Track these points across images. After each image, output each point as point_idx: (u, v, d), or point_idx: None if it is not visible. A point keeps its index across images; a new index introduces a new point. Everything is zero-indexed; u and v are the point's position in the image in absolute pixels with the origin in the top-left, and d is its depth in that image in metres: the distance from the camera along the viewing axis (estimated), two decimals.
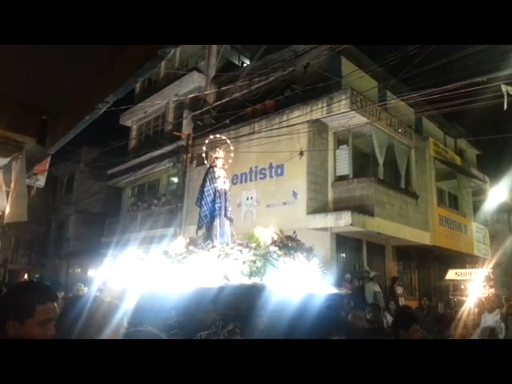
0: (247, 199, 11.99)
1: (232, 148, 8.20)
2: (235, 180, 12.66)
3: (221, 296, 5.34)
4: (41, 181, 8.86)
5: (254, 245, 6.39)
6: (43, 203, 20.17)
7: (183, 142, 14.09)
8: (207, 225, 7.34)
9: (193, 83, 15.42)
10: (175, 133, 14.50)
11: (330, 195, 11.19)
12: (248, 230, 7.03)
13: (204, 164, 13.64)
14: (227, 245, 6.70)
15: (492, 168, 15.95)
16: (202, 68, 15.61)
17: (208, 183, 7.44)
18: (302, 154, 10.90)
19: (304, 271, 6.36)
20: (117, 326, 1.45)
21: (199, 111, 14.04)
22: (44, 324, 1.41)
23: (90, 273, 17.64)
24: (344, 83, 11.14)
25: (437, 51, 8.14)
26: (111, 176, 17.76)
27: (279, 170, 11.42)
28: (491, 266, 12.20)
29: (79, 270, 19.02)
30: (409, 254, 12.98)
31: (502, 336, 6.96)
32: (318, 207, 10.72)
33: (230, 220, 7.44)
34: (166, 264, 6.91)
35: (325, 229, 10.32)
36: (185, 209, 13.70)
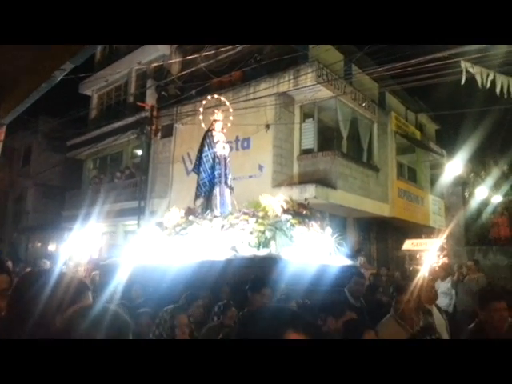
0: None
1: (231, 110, 7.64)
2: None
3: (229, 269, 4.99)
4: None
5: (261, 214, 5.87)
6: None
7: (147, 113, 13.71)
8: (206, 193, 6.81)
9: (156, 51, 14.88)
10: (139, 103, 14.06)
11: (296, 169, 11.33)
12: (256, 198, 6.49)
13: (170, 136, 13.51)
14: (231, 214, 6.22)
15: (449, 143, 16.60)
16: None
17: (206, 148, 6.89)
18: (268, 127, 10.90)
19: (319, 241, 5.93)
20: (80, 301, 1.42)
21: (163, 81, 13.64)
22: None
23: (51, 247, 17.21)
24: (311, 56, 11.11)
25: None
26: (71, 147, 17.11)
27: (245, 143, 11.40)
28: (445, 236, 12.89)
29: (39, 244, 18.49)
30: (368, 225, 13.47)
31: (452, 301, 7.48)
32: (284, 180, 10.85)
33: (231, 188, 6.98)
34: (161, 236, 6.49)
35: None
36: (149, 182, 13.50)
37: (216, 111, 7.31)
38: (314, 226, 6.01)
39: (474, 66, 7.25)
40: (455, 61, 7.48)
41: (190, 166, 12.77)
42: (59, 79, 2.03)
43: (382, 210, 12.57)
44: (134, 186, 14.25)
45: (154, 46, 14.83)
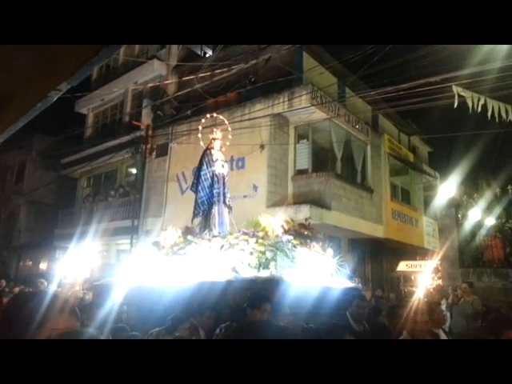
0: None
1: (230, 129, 7.61)
2: None
3: (230, 290, 4.86)
4: None
5: (261, 234, 5.74)
6: None
7: (142, 132, 13.78)
8: (204, 212, 6.68)
9: (153, 72, 15.07)
10: (134, 122, 14.14)
11: (290, 189, 11.36)
12: (252, 218, 6.41)
13: (165, 155, 13.55)
14: (230, 234, 6.10)
15: (442, 165, 16.80)
16: (163, 57, 15.27)
17: (205, 166, 6.78)
18: (262, 147, 10.97)
19: (320, 263, 5.80)
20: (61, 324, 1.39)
21: (159, 101, 13.76)
22: None
23: (43, 266, 16.97)
24: (305, 78, 11.30)
25: (393, 51, 8.42)
26: (65, 165, 17.07)
27: (240, 163, 11.44)
28: (439, 258, 12.89)
29: (30, 262, 18.22)
30: (363, 246, 13.45)
31: (447, 324, 7.41)
32: (278, 200, 10.86)
33: (229, 207, 6.86)
34: (158, 256, 6.33)
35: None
36: (143, 200, 13.45)
37: (215, 130, 7.27)
38: (316, 247, 5.89)
39: (465, 91, 7.41)
40: (447, 85, 7.64)
41: (185, 186, 12.78)
42: (55, 99, 2.03)
43: (376, 231, 12.58)
44: (127, 204, 14.18)
45: (151, 66, 15.05)
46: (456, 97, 7.39)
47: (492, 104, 7.38)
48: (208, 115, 7.94)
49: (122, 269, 6.82)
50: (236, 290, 4.87)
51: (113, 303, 4.46)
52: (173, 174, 13.04)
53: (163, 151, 13.57)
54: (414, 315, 3.38)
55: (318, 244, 5.99)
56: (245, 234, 5.75)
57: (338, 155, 11.67)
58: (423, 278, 10.94)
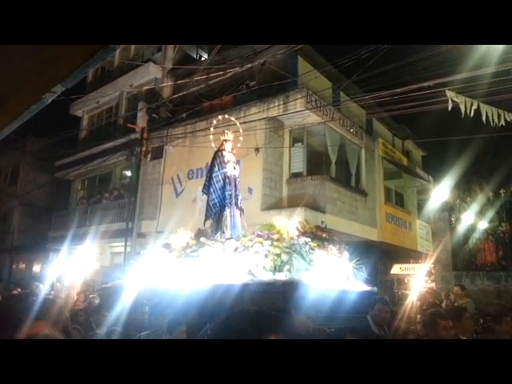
0: (202, 194, 11.93)
1: (241, 131, 7.44)
2: (191, 175, 12.58)
3: (246, 294, 4.72)
4: None
5: (276, 236, 5.64)
6: None
7: (137, 135, 13.76)
8: (216, 215, 6.58)
9: (148, 75, 15.08)
10: (129, 125, 14.12)
11: (285, 192, 11.39)
12: (266, 221, 6.34)
13: (160, 158, 13.54)
14: (245, 236, 6.00)
15: (435, 169, 16.94)
16: (159, 60, 15.29)
17: (217, 168, 6.67)
18: (258, 150, 10.99)
19: (337, 265, 5.69)
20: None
21: (155, 104, 13.77)
22: None
23: (36, 268, 16.85)
24: (300, 82, 11.36)
25: (388, 55, 8.50)
26: (59, 168, 17.01)
27: None
28: (432, 261, 12.96)
29: (24, 265, 18.09)
30: (357, 249, 13.46)
31: None
32: (273, 203, 10.88)
33: (241, 210, 6.75)
34: (169, 258, 6.23)
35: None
36: (138, 203, 13.41)
37: (226, 131, 7.09)
38: (333, 249, 5.76)
39: (459, 96, 7.49)
40: (440, 90, 7.71)
41: (180, 188, 12.79)
42: (49, 101, 2.04)
43: (370, 234, 12.63)
44: (122, 207, 14.15)
45: (146, 69, 15.07)
46: (450, 101, 7.47)
47: (485, 109, 7.47)
48: (220, 116, 7.82)
49: (131, 271, 6.70)
50: (253, 293, 4.75)
51: (124, 305, 4.36)
52: (168, 177, 13.04)
53: (158, 154, 13.57)
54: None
55: (335, 247, 5.88)
56: (259, 236, 5.67)
57: (333, 159, 11.72)
58: (417, 281, 10.98)
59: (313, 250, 5.51)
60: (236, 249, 5.65)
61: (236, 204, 6.64)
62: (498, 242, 15.94)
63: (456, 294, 7.72)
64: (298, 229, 5.74)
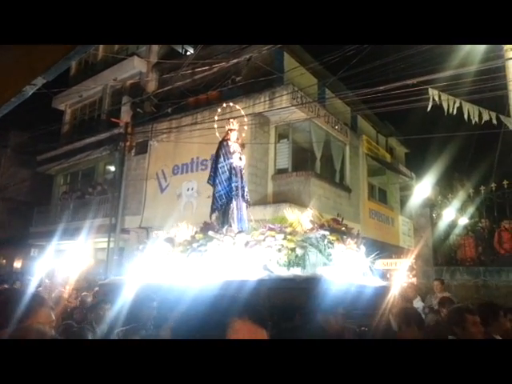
0: (188, 190, 11.91)
1: (246, 120, 7.17)
2: (176, 170, 12.51)
3: (263, 290, 4.46)
4: None
5: (289, 229, 5.36)
6: None
7: (121, 130, 13.60)
8: (223, 207, 6.27)
9: (133, 68, 14.89)
10: (113, 119, 13.94)
11: (270, 188, 11.44)
12: (278, 214, 6.03)
13: (144, 153, 13.41)
14: (255, 229, 5.71)
15: (418, 166, 17.19)
16: (143, 54, 15.10)
17: (222, 159, 6.37)
18: (243, 146, 10.97)
19: (356, 260, 5.41)
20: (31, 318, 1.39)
21: (139, 98, 13.62)
22: None
23: (17, 264, 16.56)
24: (286, 79, 11.40)
25: (373, 53, 8.59)
26: (41, 162, 16.69)
27: None
28: (414, 256, 13.19)
29: (4, 261, 17.73)
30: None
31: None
32: (258, 199, 10.91)
33: (247, 202, 6.47)
34: (173, 253, 5.92)
35: (264, 221, 10.53)
36: (122, 198, 13.29)
37: (231, 120, 6.85)
38: (351, 243, 5.46)
39: (441, 94, 7.63)
40: (424, 88, 7.83)
41: (165, 184, 12.70)
42: (30, 94, 2.00)
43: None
44: (105, 202, 13.99)
45: (131, 63, 14.87)
46: (431, 99, 7.60)
47: (467, 107, 7.63)
48: (224, 104, 7.53)
49: (131, 267, 6.40)
50: (270, 290, 4.49)
51: (124, 302, 4.15)
52: (152, 172, 12.94)
53: (143, 149, 13.44)
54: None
55: (353, 240, 5.58)
56: (271, 229, 5.35)
57: (318, 155, 11.81)
58: (398, 275, 11.17)
59: (331, 243, 5.21)
60: (247, 243, 5.35)
61: (242, 196, 6.35)
62: (477, 238, 16.22)
63: (436, 288, 7.89)
64: (312, 222, 5.50)
